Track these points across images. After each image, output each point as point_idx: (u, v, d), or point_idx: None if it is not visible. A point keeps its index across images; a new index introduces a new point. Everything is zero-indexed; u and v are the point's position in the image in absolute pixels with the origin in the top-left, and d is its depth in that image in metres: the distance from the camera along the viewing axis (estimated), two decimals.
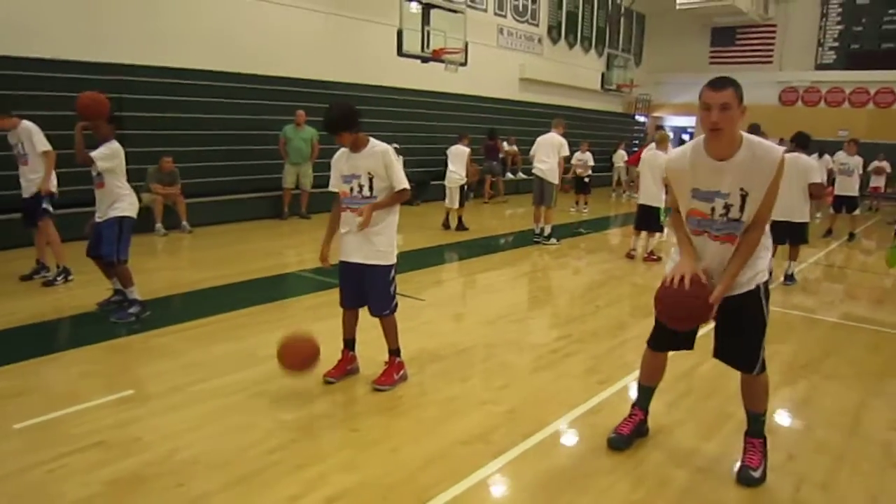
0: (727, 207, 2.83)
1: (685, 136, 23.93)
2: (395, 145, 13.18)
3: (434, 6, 12.20)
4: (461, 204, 10.19)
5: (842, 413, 3.97)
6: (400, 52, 11.53)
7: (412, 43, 11.69)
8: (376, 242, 3.88)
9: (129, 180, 5.39)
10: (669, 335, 3.13)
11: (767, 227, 2.96)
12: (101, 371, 4.34)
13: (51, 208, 6.29)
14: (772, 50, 21.79)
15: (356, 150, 3.86)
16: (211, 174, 10.39)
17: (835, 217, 11.34)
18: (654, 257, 8.54)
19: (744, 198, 2.79)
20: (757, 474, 3.08)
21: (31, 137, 6.10)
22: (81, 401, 3.75)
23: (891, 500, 3.03)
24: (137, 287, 5.36)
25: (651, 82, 23.53)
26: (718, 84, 2.72)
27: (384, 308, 3.98)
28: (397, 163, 3.91)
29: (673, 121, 24.87)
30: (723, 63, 22.56)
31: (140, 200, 8.84)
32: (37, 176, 6.16)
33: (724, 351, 3.08)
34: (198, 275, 6.97)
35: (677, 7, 20.17)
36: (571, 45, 19.72)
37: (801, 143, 6.88)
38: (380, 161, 3.83)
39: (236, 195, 10.63)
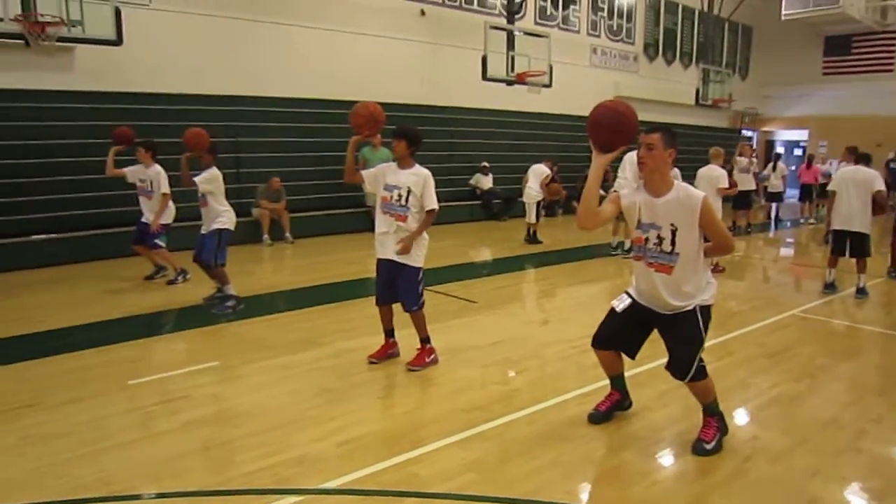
0: (660, 239, 3.40)
1: (797, 151, 23.01)
2: (485, 164, 14.15)
3: (521, 31, 12.92)
4: (536, 219, 10.77)
5: (828, 408, 4.25)
6: (485, 77, 12.28)
7: (496, 67, 12.40)
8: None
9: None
10: (608, 338, 3.77)
11: (708, 272, 3.53)
12: (196, 348, 5.45)
13: (163, 244, 7.47)
14: (893, 57, 20.58)
15: (403, 166, 4.69)
16: (313, 192, 11.63)
17: None
18: (719, 268, 8.73)
19: (674, 232, 3.35)
20: (709, 446, 3.54)
21: (160, 181, 7.35)
22: (178, 367, 4.84)
23: (832, 475, 3.36)
24: (240, 287, 6.45)
25: (759, 96, 22.83)
26: (650, 129, 3.36)
27: (413, 304, 4.75)
28: (433, 187, 4.69)
29: (783, 135, 23.96)
30: (838, 73, 21.57)
31: (250, 214, 10.22)
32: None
33: (668, 362, 3.55)
34: (289, 279, 8.09)
35: (783, 18, 19.66)
36: (670, 62, 19.72)
37: (861, 157, 7.46)
38: (421, 182, 4.64)
39: (335, 210, 11.83)
